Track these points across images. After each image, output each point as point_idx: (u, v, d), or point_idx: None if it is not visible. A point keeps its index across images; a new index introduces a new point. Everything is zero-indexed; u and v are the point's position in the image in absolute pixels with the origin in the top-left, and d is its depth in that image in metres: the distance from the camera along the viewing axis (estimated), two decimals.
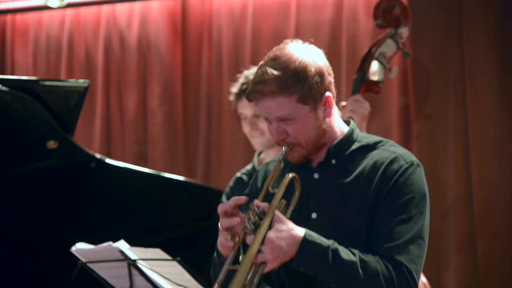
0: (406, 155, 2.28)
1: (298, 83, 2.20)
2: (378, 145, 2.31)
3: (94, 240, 3.16)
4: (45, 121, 3.48)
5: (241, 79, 3.53)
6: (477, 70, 4.31)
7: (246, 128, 3.55)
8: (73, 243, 3.04)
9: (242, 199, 2.20)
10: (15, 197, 3.69)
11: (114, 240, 2.96)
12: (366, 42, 4.45)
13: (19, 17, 5.33)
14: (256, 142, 3.53)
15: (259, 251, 2.13)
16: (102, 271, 3.03)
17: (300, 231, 2.16)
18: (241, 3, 4.87)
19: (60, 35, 5.21)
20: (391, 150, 2.29)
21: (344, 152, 2.31)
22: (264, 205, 2.18)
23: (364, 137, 2.35)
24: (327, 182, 2.29)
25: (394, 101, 4.51)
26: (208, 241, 3.83)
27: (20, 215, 3.74)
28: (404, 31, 3.81)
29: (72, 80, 4.60)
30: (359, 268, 2.14)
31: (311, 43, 2.29)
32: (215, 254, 2.29)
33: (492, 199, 4.28)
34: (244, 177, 3.54)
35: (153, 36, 5.04)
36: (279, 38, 4.71)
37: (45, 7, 5.15)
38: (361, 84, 3.72)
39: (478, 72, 4.31)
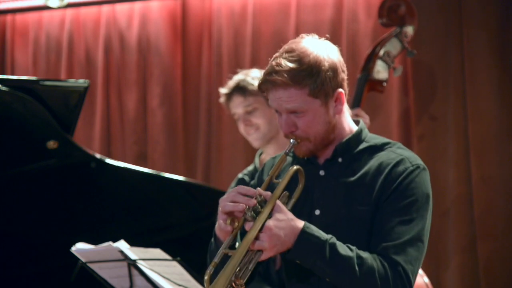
0: (413, 158, 2.28)
1: (311, 77, 2.22)
2: (386, 146, 2.32)
3: (94, 240, 3.16)
4: (45, 121, 3.48)
5: (230, 82, 3.59)
6: (477, 70, 4.31)
7: (241, 127, 3.59)
8: (73, 243, 3.04)
9: (251, 191, 2.19)
10: (15, 197, 3.69)
11: (114, 240, 2.96)
12: (366, 42, 4.45)
13: (19, 17, 5.33)
14: (253, 138, 3.56)
15: (257, 238, 2.13)
16: (102, 271, 3.03)
17: (299, 223, 2.16)
18: (241, 3, 4.87)
19: (60, 35, 5.21)
20: (398, 152, 2.30)
21: (352, 151, 2.32)
22: (266, 193, 2.19)
23: (372, 138, 2.35)
24: (333, 179, 2.30)
25: (394, 101, 4.51)
26: (208, 241, 3.83)
27: (20, 215, 3.74)
28: (409, 30, 3.80)
29: (72, 80, 4.60)
30: (355, 264, 2.14)
31: (327, 39, 2.32)
32: (212, 239, 2.30)
33: (492, 199, 4.28)
34: (246, 178, 3.55)
35: (153, 36, 5.04)
36: (279, 38, 4.73)
37: (45, 7, 5.15)
38: (365, 83, 3.72)
39: (478, 72, 4.31)
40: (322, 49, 2.26)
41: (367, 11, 4.56)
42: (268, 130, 3.52)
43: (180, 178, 4.09)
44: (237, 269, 2.12)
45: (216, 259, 2.13)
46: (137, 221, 3.96)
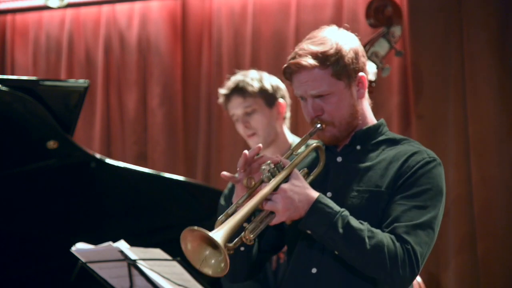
0: (430, 152, 2.33)
1: (334, 58, 2.27)
2: (404, 141, 2.37)
3: (94, 240, 3.16)
4: (45, 121, 3.48)
5: (229, 83, 3.58)
6: (477, 70, 4.31)
7: (240, 129, 3.58)
8: (73, 243, 3.04)
9: (272, 157, 2.22)
10: (15, 197, 3.69)
11: (114, 240, 2.96)
12: (366, 42, 4.44)
13: (19, 17, 5.33)
14: (253, 143, 3.53)
15: (270, 200, 2.15)
16: (102, 271, 3.03)
17: (314, 193, 2.19)
18: (241, 3, 4.87)
19: (60, 35, 5.21)
20: (416, 145, 2.35)
21: (371, 140, 2.36)
22: (286, 161, 2.23)
23: (391, 133, 2.40)
24: (349, 165, 2.33)
25: (394, 101, 4.50)
26: None
27: (20, 215, 3.74)
28: (397, 30, 3.82)
29: (72, 80, 4.60)
30: (366, 237, 2.15)
31: (347, 28, 2.38)
32: (223, 201, 2.30)
33: (492, 199, 4.28)
34: None
35: (153, 36, 5.04)
36: (279, 38, 4.73)
37: (45, 7, 5.15)
38: None
39: (478, 72, 4.31)
40: (343, 35, 2.34)
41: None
42: (268, 134, 3.51)
43: (180, 178, 4.09)
44: (249, 225, 2.14)
45: (230, 211, 2.16)
46: (137, 221, 3.96)
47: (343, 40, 2.31)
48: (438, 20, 4.42)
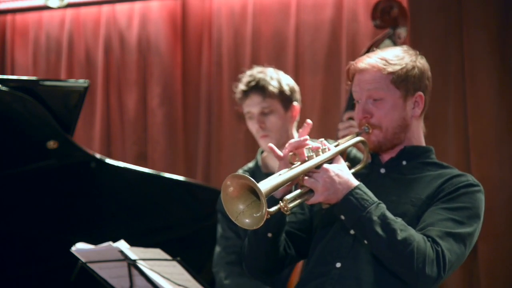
0: (475, 179, 2.32)
1: (399, 66, 2.30)
2: (451, 168, 2.37)
3: (94, 240, 3.16)
4: (45, 121, 3.48)
5: (247, 78, 3.49)
6: (477, 70, 4.31)
7: (253, 127, 3.50)
8: (73, 243, 3.04)
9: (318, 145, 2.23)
10: (15, 197, 3.69)
11: (114, 240, 2.96)
12: (366, 42, 4.44)
13: (19, 17, 5.33)
14: (264, 143, 3.47)
15: (311, 177, 2.16)
16: (102, 271, 3.03)
17: (355, 180, 2.20)
18: (241, 3, 4.87)
19: (60, 35, 5.21)
20: (462, 172, 2.33)
21: (418, 159, 2.36)
22: (331, 146, 2.24)
23: (438, 161, 2.40)
24: (391, 178, 2.34)
25: None
26: (208, 241, 3.84)
27: (20, 215, 3.74)
28: (402, 32, 3.81)
29: (72, 80, 4.60)
30: (398, 229, 2.14)
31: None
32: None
33: (492, 199, 4.27)
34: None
35: (153, 36, 5.04)
36: (279, 38, 4.73)
37: (45, 7, 5.15)
38: None
39: (478, 72, 4.31)
40: (414, 54, 2.38)
41: (367, 11, 4.55)
42: (280, 136, 3.44)
43: (180, 178, 4.09)
44: (288, 196, 2.14)
45: (274, 176, 2.15)
46: (137, 221, 3.96)
47: (414, 58, 2.35)
48: (438, 20, 4.42)
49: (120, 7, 5.13)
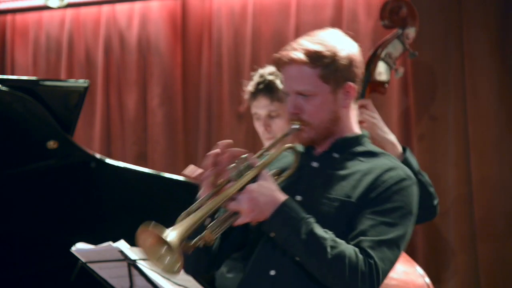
0: (407, 170, 2.28)
1: (326, 59, 2.23)
2: (382, 155, 2.32)
3: (94, 240, 3.15)
4: (45, 121, 3.48)
5: (257, 78, 3.44)
6: (477, 70, 4.31)
7: (259, 128, 3.46)
8: (73, 243, 3.04)
9: (242, 151, 2.19)
10: (15, 197, 3.68)
11: (114, 240, 2.96)
12: (366, 42, 4.44)
13: (19, 17, 5.33)
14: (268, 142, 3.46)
15: (235, 199, 2.11)
16: (102, 271, 3.03)
17: (282, 196, 2.15)
18: (241, 3, 4.87)
19: (60, 35, 5.22)
20: (393, 161, 2.30)
21: (349, 149, 2.32)
22: (255, 160, 2.18)
23: (371, 146, 2.36)
24: (323, 172, 2.29)
25: (394, 101, 4.51)
26: None
27: (20, 215, 3.74)
28: (411, 32, 3.80)
29: (72, 80, 4.60)
30: (328, 246, 2.10)
31: (352, 36, 2.33)
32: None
33: (492, 199, 4.28)
34: None
35: (153, 36, 5.04)
36: (279, 38, 4.73)
37: (45, 7, 5.15)
38: (366, 85, 3.71)
39: (478, 72, 4.31)
40: (343, 40, 2.29)
41: (367, 11, 4.55)
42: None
43: (180, 178, 4.09)
44: (211, 224, 2.11)
45: (192, 208, 2.13)
46: (137, 221, 3.94)
47: (342, 45, 2.26)
48: (438, 20, 4.42)
49: (120, 7, 5.13)
